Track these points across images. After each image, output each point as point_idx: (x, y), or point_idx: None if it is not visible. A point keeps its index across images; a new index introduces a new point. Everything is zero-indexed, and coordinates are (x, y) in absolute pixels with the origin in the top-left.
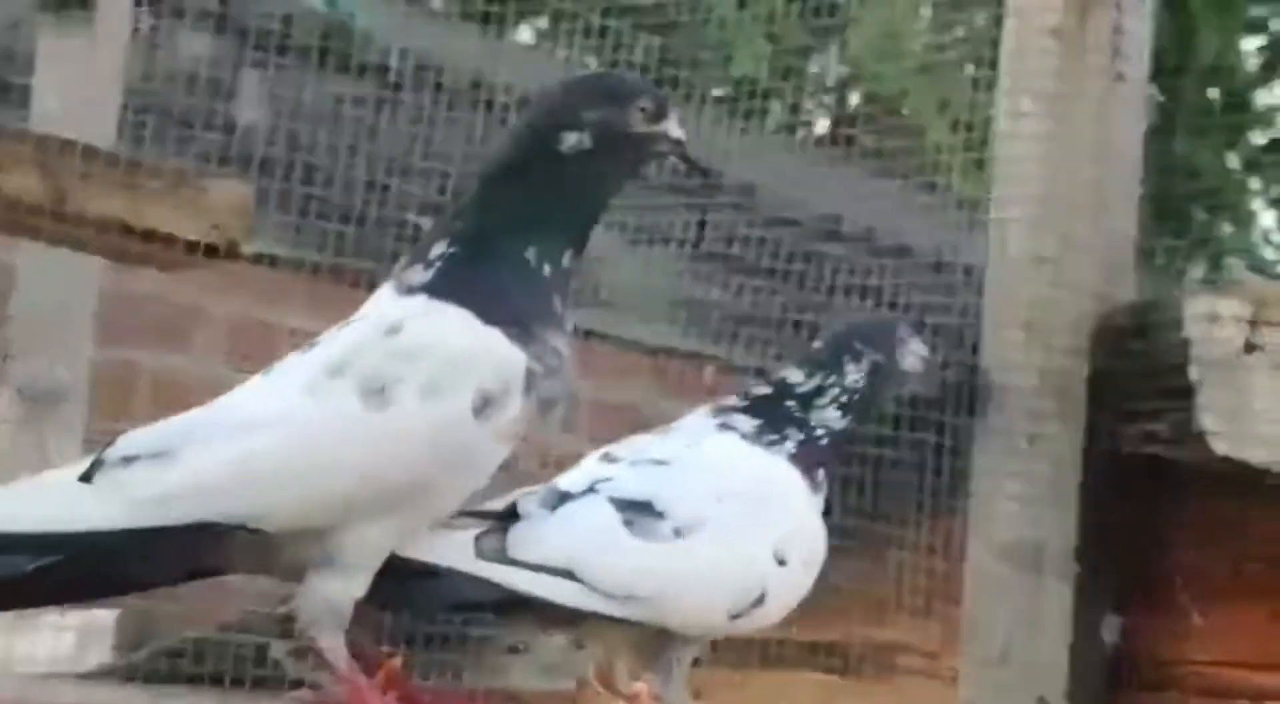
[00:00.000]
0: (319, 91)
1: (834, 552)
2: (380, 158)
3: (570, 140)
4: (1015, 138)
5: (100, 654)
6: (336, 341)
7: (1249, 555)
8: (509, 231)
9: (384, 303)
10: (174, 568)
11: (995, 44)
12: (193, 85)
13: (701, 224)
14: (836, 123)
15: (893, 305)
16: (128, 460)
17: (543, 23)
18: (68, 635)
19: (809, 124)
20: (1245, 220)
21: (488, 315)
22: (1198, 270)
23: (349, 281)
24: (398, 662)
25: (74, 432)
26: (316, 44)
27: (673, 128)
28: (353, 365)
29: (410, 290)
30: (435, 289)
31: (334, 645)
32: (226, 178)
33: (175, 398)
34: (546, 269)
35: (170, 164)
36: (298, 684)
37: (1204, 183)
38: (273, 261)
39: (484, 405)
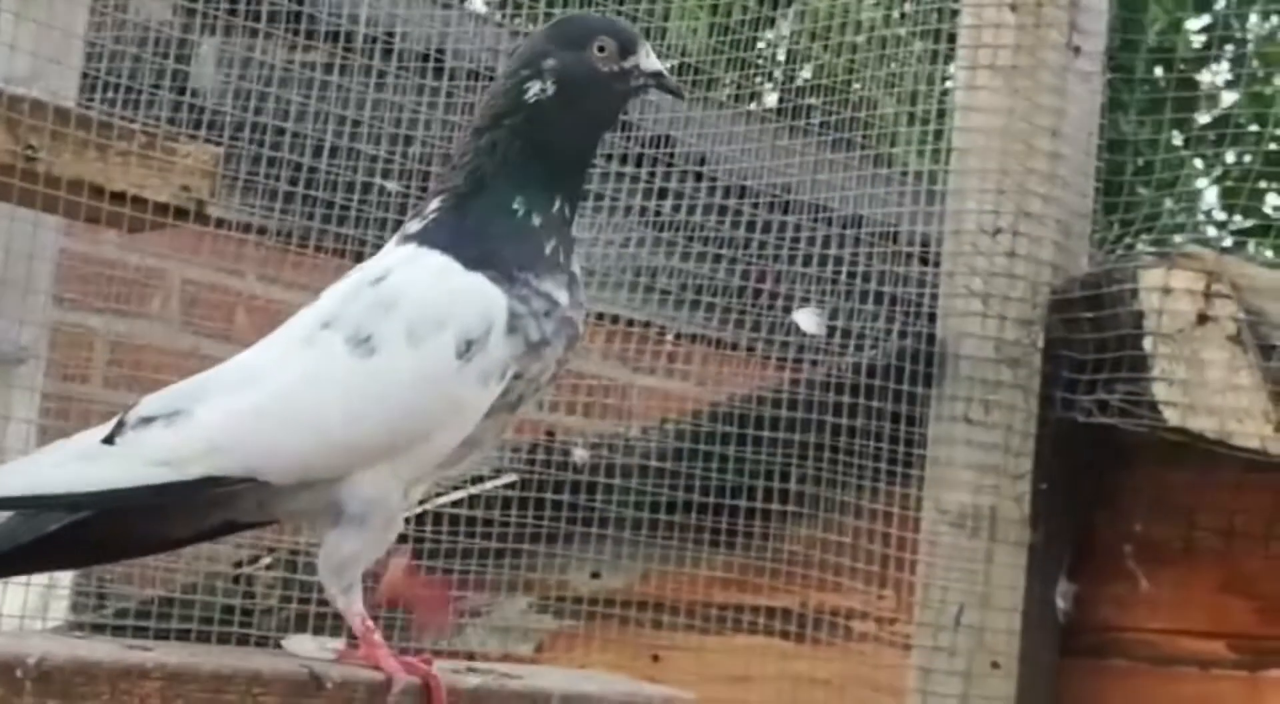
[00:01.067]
0: (275, 57)
1: (789, 518)
2: (334, 123)
3: (534, 88)
4: (972, 110)
5: (59, 611)
6: (330, 293)
7: (1199, 525)
8: (495, 183)
9: (383, 253)
10: (195, 523)
11: (945, 16)
12: (151, 48)
13: (661, 193)
14: (784, 96)
15: (850, 274)
16: (146, 421)
17: None
18: (33, 591)
19: (758, 96)
20: (1188, 198)
21: (470, 261)
22: (1141, 247)
23: (305, 246)
24: (404, 559)
25: (33, 392)
26: (269, 8)
27: (645, 60)
28: (341, 316)
29: (405, 239)
30: (425, 237)
31: (349, 604)
32: (195, 140)
33: (131, 360)
34: (536, 218)
35: (139, 126)
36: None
37: (1148, 159)
38: (247, 227)
39: (466, 348)
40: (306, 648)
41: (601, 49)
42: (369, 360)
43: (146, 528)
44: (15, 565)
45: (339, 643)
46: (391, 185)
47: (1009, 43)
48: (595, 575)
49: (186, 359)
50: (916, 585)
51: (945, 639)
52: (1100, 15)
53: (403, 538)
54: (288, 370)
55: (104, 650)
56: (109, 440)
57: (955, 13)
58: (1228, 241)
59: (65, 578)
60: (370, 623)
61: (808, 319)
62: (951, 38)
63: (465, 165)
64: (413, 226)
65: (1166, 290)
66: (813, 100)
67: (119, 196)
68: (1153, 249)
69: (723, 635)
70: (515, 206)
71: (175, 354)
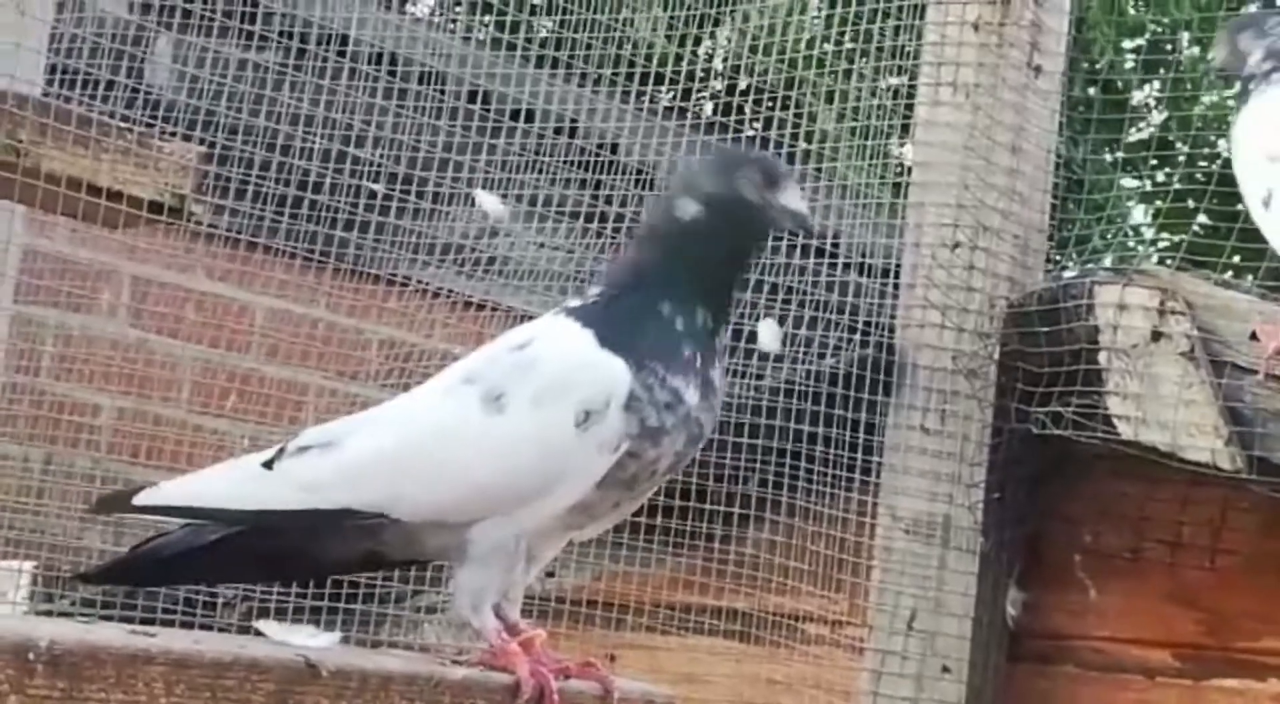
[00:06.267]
0: (228, 58)
1: (744, 522)
2: (283, 125)
3: (687, 209)
4: (934, 125)
5: (16, 598)
6: (478, 352)
7: (1148, 536)
8: (650, 288)
9: (537, 320)
10: (345, 550)
11: (879, 33)
12: (109, 44)
13: (605, 200)
14: (726, 109)
15: (812, 284)
16: (302, 450)
17: None
18: None
19: (699, 105)
20: (1116, 217)
21: (606, 341)
22: (1070, 263)
23: (245, 246)
24: (542, 635)
25: None
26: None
27: (787, 199)
28: (482, 374)
29: (560, 312)
30: (577, 314)
31: (483, 622)
32: (176, 139)
33: (79, 355)
34: (679, 323)
35: (122, 123)
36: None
37: (1081, 178)
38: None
39: (585, 417)
40: (276, 631)
41: (749, 179)
42: (497, 418)
43: (299, 548)
44: (182, 574)
45: (329, 636)
46: (378, 187)
47: (971, 60)
48: (550, 574)
49: (134, 353)
50: (870, 590)
51: (897, 643)
52: (1060, 37)
53: None
54: (425, 418)
55: (111, 635)
56: (268, 465)
57: (898, 28)
58: (1154, 260)
59: (27, 566)
60: (505, 635)
61: (767, 334)
62: (895, 52)
63: (629, 265)
64: (572, 303)
65: (1122, 307)
66: (750, 112)
67: (100, 191)
68: (1110, 266)
69: (677, 635)
70: (661, 309)
71: (124, 348)
